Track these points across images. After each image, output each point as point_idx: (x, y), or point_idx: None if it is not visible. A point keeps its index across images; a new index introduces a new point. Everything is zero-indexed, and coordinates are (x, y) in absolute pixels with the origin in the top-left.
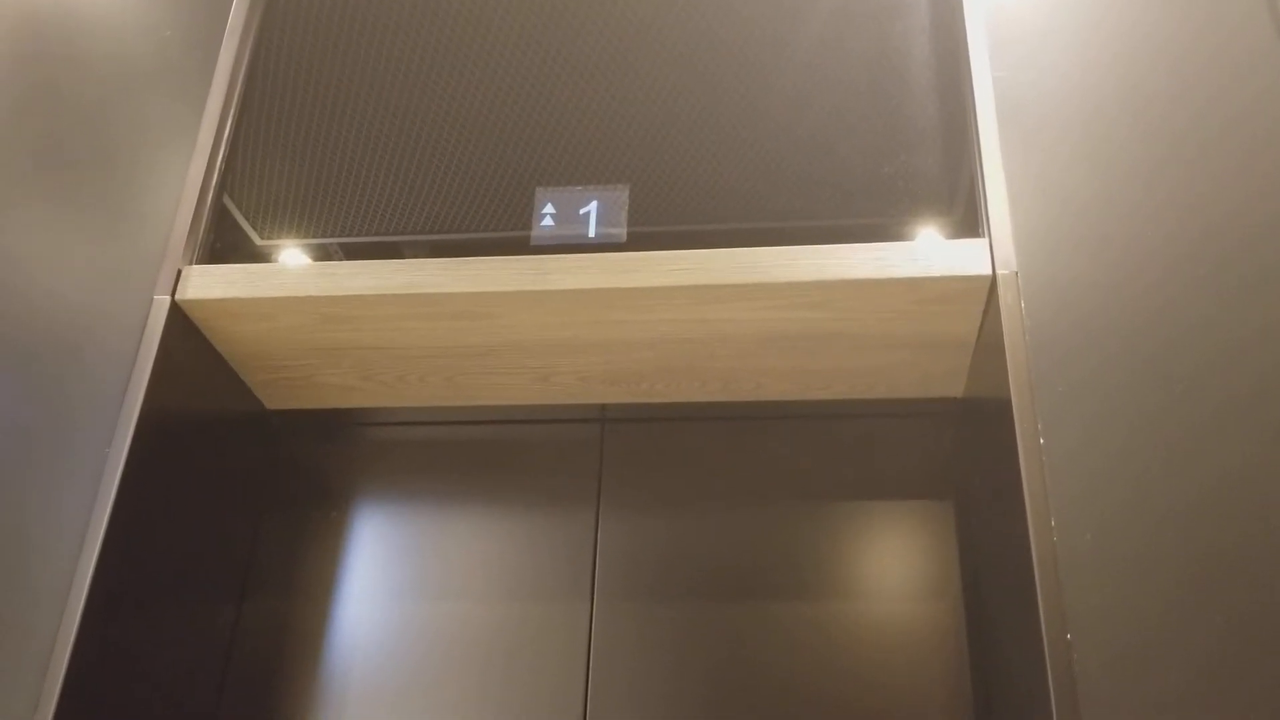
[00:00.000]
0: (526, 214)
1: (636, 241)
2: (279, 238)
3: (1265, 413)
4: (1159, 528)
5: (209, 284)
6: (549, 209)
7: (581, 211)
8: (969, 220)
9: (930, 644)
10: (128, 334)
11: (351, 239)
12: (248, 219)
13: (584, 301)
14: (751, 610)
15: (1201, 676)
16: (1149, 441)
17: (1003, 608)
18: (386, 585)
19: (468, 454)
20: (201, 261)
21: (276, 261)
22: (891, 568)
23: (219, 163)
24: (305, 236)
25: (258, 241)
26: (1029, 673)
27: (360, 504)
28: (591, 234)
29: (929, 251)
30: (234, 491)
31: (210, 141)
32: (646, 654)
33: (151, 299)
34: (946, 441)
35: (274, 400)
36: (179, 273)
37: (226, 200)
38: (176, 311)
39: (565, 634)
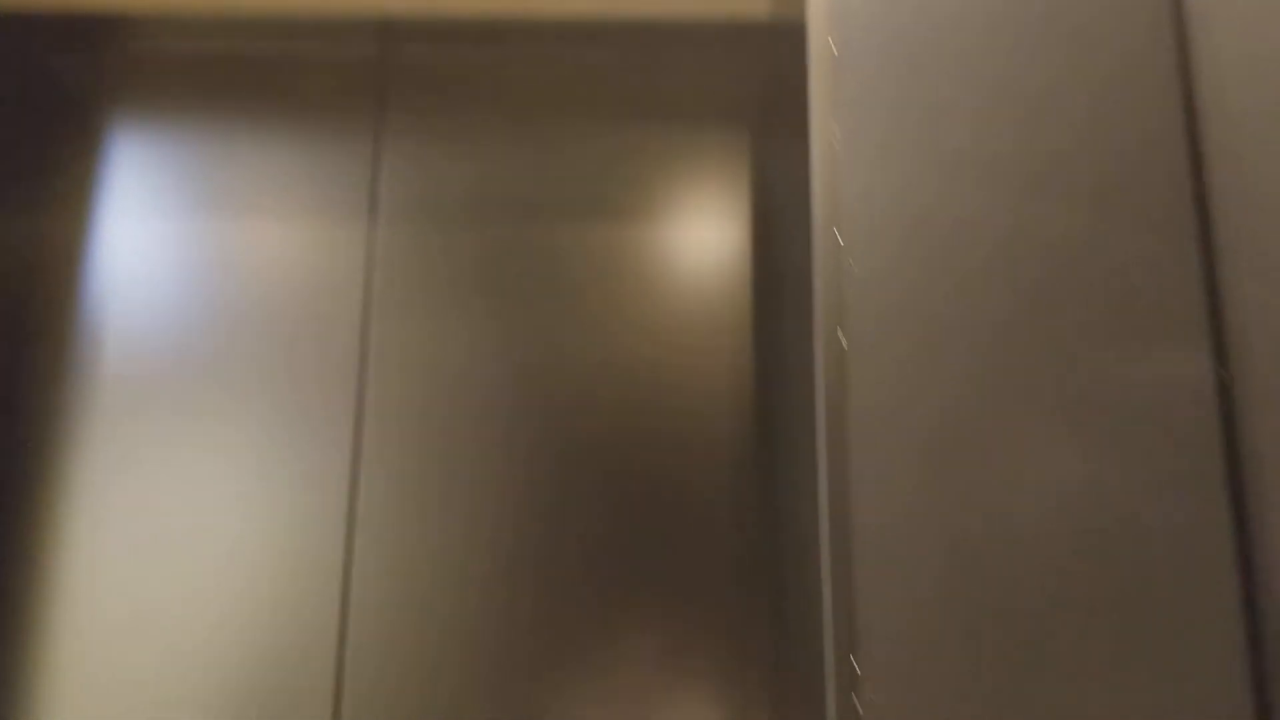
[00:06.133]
0: None
1: None
2: None
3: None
4: (940, 169)
5: None
6: None
7: None
8: None
9: (716, 269)
10: None
11: None
12: None
13: None
14: (540, 234)
15: (974, 397)
16: (939, 72)
17: (787, 239)
18: (154, 204)
19: (239, 70)
20: None
21: None
22: (683, 193)
23: None
24: None
25: None
26: (803, 285)
27: (121, 120)
28: None
29: None
30: None
31: None
32: (429, 277)
33: None
34: (747, 66)
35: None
36: None
37: None
38: None
39: (344, 257)
